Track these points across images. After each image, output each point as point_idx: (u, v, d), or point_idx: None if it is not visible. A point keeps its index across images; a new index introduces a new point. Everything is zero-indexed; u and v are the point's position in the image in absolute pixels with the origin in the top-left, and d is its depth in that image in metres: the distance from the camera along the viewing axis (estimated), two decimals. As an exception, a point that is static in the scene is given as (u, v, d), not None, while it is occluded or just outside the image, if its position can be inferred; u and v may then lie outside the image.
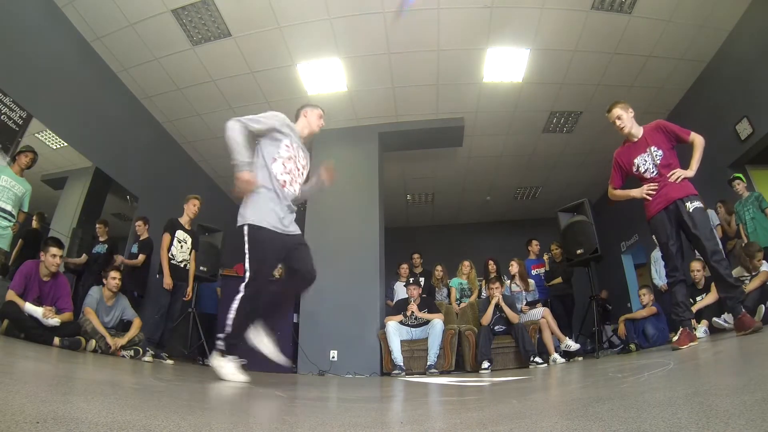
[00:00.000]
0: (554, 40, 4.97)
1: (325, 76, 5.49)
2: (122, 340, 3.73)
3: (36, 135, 4.12)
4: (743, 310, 2.63)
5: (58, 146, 4.44)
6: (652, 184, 2.93)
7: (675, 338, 4.15)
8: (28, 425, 0.63)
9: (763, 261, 3.88)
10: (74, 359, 2.64)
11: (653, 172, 2.94)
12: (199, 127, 6.37)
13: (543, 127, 6.54)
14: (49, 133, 4.29)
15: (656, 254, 5.46)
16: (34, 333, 3.20)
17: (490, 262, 5.62)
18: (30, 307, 3.25)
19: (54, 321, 3.31)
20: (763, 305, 3.44)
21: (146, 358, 3.78)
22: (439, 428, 0.84)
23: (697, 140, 2.89)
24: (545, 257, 6.02)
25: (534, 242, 6.11)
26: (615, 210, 8.07)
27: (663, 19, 4.68)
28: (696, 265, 4.42)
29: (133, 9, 4.50)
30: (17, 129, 3.87)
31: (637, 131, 3.03)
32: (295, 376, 4.45)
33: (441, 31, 4.86)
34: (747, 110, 4.65)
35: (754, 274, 3.81)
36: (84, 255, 4.64)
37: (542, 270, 5.88)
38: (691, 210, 2.75)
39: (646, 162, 2.97)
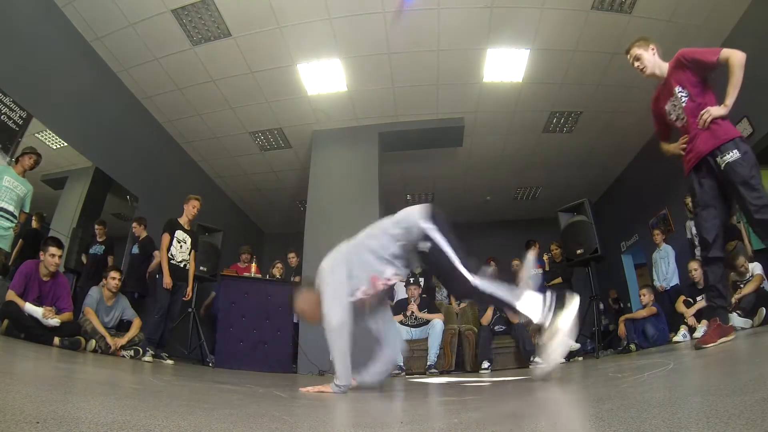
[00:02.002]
0: (554, 40, 4.97)
1: (325, 76, 5.49)
2: (122, 340, 3.73)
3: (36, 135, 4.12)
4: None
5: (58, 146, 4.44)
6: (684, 137, 2.43)
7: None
8: (28, 425, 0.63)
9: (757, 264, 3.89)
10: (74, 359, 2.64)
11: (682, 118, 2.41)
12: (199, 127, 6.38)
13: (543, 127, 6.54)
14: (49, 133, 4.29)
15: (656, 255, 5.46)
16: (34, 333, 3.20)
17: (491, 262, 5.62)
18: (30, 307, 3.25)
19: (54, 321, 3.31)
20: (763, 308, 3.45)
21: (146, 358, 3.78)
22: (439, 428, 0.84)
23: (733, 58, 2.25)
24: (545, 257, 6.02)
25: (536, 244, 6.10)
26: (615, 210, 8.08)
27: (663, 19, 4.68)
28: (693, 265, 4.42)
29: (133, 9, 4.50)
30: (17, 129, 3.87)
31: (663, 71, 2.50)
32: (295, 376, 4.45)
33: (441, 31, 4.86)
34: (747, 110, 4.65)
35: (748, 278, 3.82)
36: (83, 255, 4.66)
37: (539, 271, 5.87)
38: (723, 166, 2.20)
39: (675, 108, 2.44)
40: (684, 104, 2.38)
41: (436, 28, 4.83)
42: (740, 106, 4.68)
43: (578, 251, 4.68)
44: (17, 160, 3.63)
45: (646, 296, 4.77)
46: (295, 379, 3.55)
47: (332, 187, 6.20)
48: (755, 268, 3.86)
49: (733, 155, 2.18)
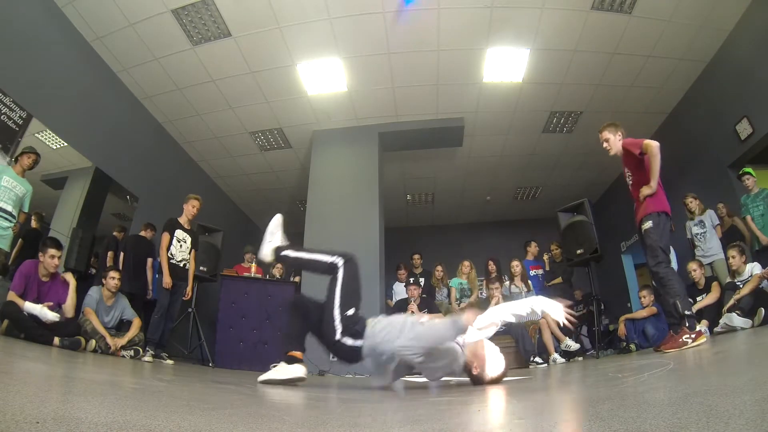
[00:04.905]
0: (554, 40, 4.97)
1: (325, 76, 5.49)
2: (122, 340, 3.73)
3: (36, 135, 4.12)
4: (681, 329, 2.69)
5: (58, 146, 4.44)
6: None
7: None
8: (28, 425, 0.63)
9: (756, 264, 3.89)
10: (74, 359, 2.64)
11: (633, 193, 3.10)
12: (199, 127, 6.38)
13: (543, 127, 6.54)
14: (49, 133, 4.29)
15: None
16: (34, 333, 3.20)
17: (490, 262, 5.62)
18: (29, 306, 3.25)
19: (53, 316, 3.30)
20: (762, 308, 3.44)
21: (146, 358, 3.78)
22: (439, 428, 0.84)
23: (650, 149, 2.82)
24: (545, 257, 6.02)
25: (533, 243, 6.11)
26: (615, 210, 8.07)
27: (663, 19, 4.68)
28: (693, 266, 4.42)
29: (133, 9, 4.50)
30: (17, 129, 3.87)
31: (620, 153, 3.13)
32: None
33: (441, 31, 4.86)
34: (747, 110, 4.65)
35: (747, 278, 3.82)
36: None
37: (540, 272, 5.88)
38: (643, 231, 2.92)
39: (629, 184, 3.12)
40: (630, 182, 3.06)
41: (436, 28, 4.83)
42: (740, 107, 4.71)
43: (578, 251, 4.68)
44: (16, 160, 3.63)
45: (647, 298, 4.77)
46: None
47: (332, 187, 6.20)
48: (754, 268, 3.86)
49: (648, 224, 2.86)
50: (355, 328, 2.00)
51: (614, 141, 3.14)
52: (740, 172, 4.62)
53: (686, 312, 2.68)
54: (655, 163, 2.81)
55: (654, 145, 2.79)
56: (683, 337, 2.62)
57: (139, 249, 4.99)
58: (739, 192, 4.69)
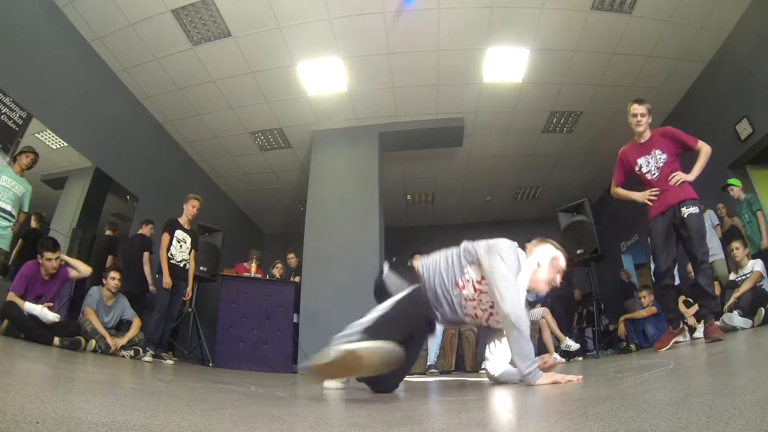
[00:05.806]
0: (554, 40, 4.97)
1: (325, 76, 5.49)
2: (122, 341, 3.73)
3: (36, 135, 4.12)
4: (713, 319, 2.83)
5: (58, 146, 4.44)
6: (654, 189, 3.02)
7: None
8: (28, 425, 0.63)
9: (758, 261, 3.89)
10: (74, 359, 2.64)
11: (654, 174, 3.04)
12: (199, 127, 6.38)
13: (543, 127, 6.54)
14: (49, 133, 4.29)
15: (656, 254, 5.45)
16: (34, 333, 3.20)
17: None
18: (29, 306, 3.25)
19: (53, 316, 3.31)
20: (762, 308, 3.44)
21: (146, 358, 3.78)
22: (439, 428, 0.84)
23: (704, 148, 2.96)
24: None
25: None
26: (615, 210, 8.07)
27: (663, 19, 4.68)
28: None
29: (133, 9, 4.50)
30: (17, 129, 3.88)
31: (647, 134, 3.13)
32: (295, 376, 4.45)
33: (441, 31, 4.86)
34: (747, 110, 4.65)
35: (747, 275, 3.82)
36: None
37: None
38: (685, 216, 2.86)
39: (648, 164, 3.08)
40: (661, 165, 3.02)
41: (436, 28, 4.83)
42: (740, 107, 4.71)
43: (578, 251, 4.68)
44: (15, 160, 3.63)
45: (646, 298, 4.77)
46: (295, 379, 3.55)
47: (332, 187, 6.20)
48: (755, 264, 3.85)
49: (693, 210, 2.86)
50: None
51: (648, 120, 3.12)
52: (724, 185, 4.62)
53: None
54: (705, 162, 2.94)
55: (709, 148, 2.97)
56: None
57: (132, 247, 4.96)
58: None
